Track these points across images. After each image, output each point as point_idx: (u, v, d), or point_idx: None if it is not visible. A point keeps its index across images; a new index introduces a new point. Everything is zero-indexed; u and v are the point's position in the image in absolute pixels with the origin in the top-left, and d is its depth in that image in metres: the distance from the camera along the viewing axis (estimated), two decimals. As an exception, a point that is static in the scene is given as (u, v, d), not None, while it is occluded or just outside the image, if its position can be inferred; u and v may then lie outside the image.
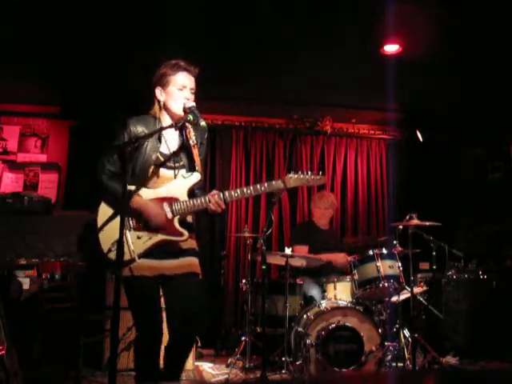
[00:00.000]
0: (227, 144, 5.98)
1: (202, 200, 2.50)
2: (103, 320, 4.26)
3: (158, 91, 2.59)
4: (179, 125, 2.52)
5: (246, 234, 4.73)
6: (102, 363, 4.20)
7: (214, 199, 2.48)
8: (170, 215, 2.48)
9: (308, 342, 3.81)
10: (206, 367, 4.45)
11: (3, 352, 2.93)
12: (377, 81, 4.69)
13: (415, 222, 4.04)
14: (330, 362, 3.74)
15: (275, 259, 4.54)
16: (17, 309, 3.94)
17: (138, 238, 2.45)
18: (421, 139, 6.02)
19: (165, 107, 2.59)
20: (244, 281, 4.58)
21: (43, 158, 5.66)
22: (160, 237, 2.47)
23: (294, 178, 2.62)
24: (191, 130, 2.63)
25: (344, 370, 3.72)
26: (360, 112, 5.89)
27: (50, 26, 4.04)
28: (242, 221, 5.80)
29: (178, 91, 2.54)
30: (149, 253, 2.45)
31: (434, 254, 4.49)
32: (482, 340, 4.57)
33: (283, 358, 4.03)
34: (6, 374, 2.89)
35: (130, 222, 2.47)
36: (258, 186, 2.57)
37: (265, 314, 3.93)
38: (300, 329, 3.97)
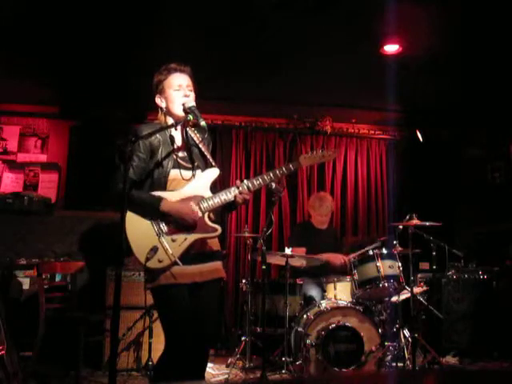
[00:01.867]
0: (227, 144, 5.98)
1: (228, 193, 2.51)
2: (103, 320, 4.26)
3: (158, 99, 2.59)
4: (179, 124, 2.52)
5: (246, 234, 4.73)
6: (102, 363, 4.20)
7: (243, 190, 2.50)
8: (199, 214, 2.47)
9: (308, 342, 3.81)
10: (206, 367, 4.44)
11: (3, 352, 2.93)
12: (377, 81, 4.69)
13: (415, 222, 4.04)
14: (330, 361, 3.75)
15: (275, 259, 4.54)
16: (17, 309, 3.95)
17: (173, 241, 2.41)
18: (421, 139, 6.02)
19: (168, 112, 2.59)
20: (244, 281, 4.58)
21: (43, 158, 5.65)
22: (195, 235, 2.45)
23: (307, 157, 2.70)
24: (196, 133, 2.66)
25: (344, 369, 3.72)
26: (360, 112, 5.88)
27: (51, 26, 4.04)
28: (242, 221, 5.80)
29: (175, 92, 2.54)
30: (186, 254, 2.42)
31: (434, 253, 4.49)
32: (482, 340, 4.57)
33: (283, 358, 4.04)
34: (5, 374, 2.89)
35: (162, 227, 2.43)
36: (277, 171, 2.60)
37: (265, 314, 3.94)
38: (300, 329, 3.97)
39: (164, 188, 2.49)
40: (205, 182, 2.55)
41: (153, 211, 2.41)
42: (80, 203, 5.19)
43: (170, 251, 2.38)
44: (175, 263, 2.38)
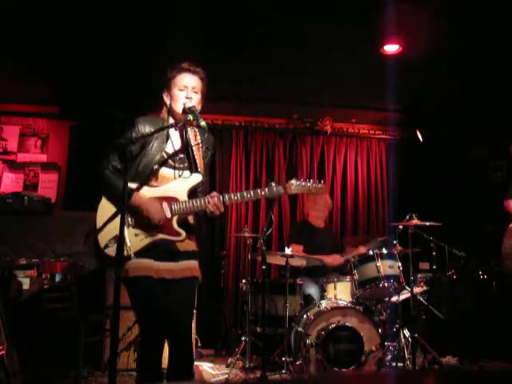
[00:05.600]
0: (227, 144, 5.98)
1: (202, 201, 2.51)
2: (103, 320, 4.26)
3: (165, 95, 2.63)
4: (179, 124, 2.53)
5: (246, 234, 4.73)
6: (102, 363, 4.20)
7: (212, 201, 2.49)
8: (168, 215, 2.49)
9: (308, 342, 3.80)
10: (206, 367, 4.45)
11: (3, 352, 2.93)
12: (377, 81, 4.69)
13: (415, 222, 4.04)
14: (330, 362, 3.74)
15: (275, 259, 4.54)
16: (17, 309, 3.94)
17: (136, 235, 2.46)
18: (421, 139, 6.02)
19: (170, 110, 2.62)
20: (244, 281, 4.58)
21: (43, 158, 5.65)
22: (157, 236, 2.47)
23: (295, 185, 2.62)
24: (197, 132, 2.65)
25: (344, 369, 3.72)
26: (360, 112, 5.88)
27: (51, 26, 4.04)
28: (242, 221, 5.80)
29: (180, 92, 2.56)
30: (146, 251, 2.45)
31: (434, 254, 4.49)
32: (482, 340, 4.57)
33: (283, 358, 4.03)
34: (5, 374, 2.89)
35: (129, 219, 2.47)
36: (259, 191, 2.57)
37: (265, 314, 3.93)
38: (300, 329, 3.97)
39: (146, 181, 2.51)
40: (185, 185, 2.55)
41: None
42: (80, 203, 5.17)
43: (128, 244, 2.40)
44: (129, 257, 2.41)
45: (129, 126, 2.56)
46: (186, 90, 2.56)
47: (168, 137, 2.58)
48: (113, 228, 2.38)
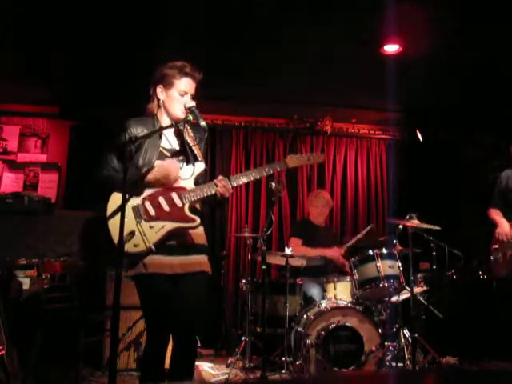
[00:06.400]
0: (227, 144, 5.98)
1: (210, 186, 2.56)
2: (103, 320, 4.26)
3: (160, 90, 2.63)
4: (179, 125, 2.57)
5: (246, 234, 4.73)
6: (102, 363, 4.20)
7: (220, 183, 2.55)
8: (179, 203, 2.52)
9: (308, 342, 3.81)
10: (206, 367, 4.45)
11: (3, 352, 2.93)
12: (377, 81, 4.69)
13: (415, 222, 4.03)
14: (330, 362, 3.75)
15: (275, 259, 4.54)
16: (17, 309, 3.95)
17: (151, 227, 2.46)
18: (421, 139, 6.02)
19: (164, 107, 2.64)
20: (244, 281, 4.58)
21: (43, 158, 5.65)
22: (173, 224, 2.49)
23: (294, 158, 2.76)
24: (189, 129, 2.69)
25: (344, 369, 3.72)
26: (360, 112, 5.88)
27: (52, 26, 4.04)
28: (242, 221, 5.80)
29: (179, 96, 2.59)
30: (163, 243, 2.46)
31: (434, 254, 4.48)
32: (482, 340, 4.57)
33: (283, 358, 4.04)
34: (6, 374, 2.90)
35: (141, 213, 2.48)
36: (262, 168, 2.68)
37: (265, 313, 3.93)
38: (300, 329, 3.97)
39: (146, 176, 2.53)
40: (189, 175, 2.59)
41: (135, 173, 2.46)
42: (80, 203, 5.18)
43: (146, 237, 2.42)
44: (150, 249, 2.42)
45: (122, 128, 2.57)
46: (185, 96, 2.60)
47: (161, 134, 2.61)
48: (126, 222, 2.35)
